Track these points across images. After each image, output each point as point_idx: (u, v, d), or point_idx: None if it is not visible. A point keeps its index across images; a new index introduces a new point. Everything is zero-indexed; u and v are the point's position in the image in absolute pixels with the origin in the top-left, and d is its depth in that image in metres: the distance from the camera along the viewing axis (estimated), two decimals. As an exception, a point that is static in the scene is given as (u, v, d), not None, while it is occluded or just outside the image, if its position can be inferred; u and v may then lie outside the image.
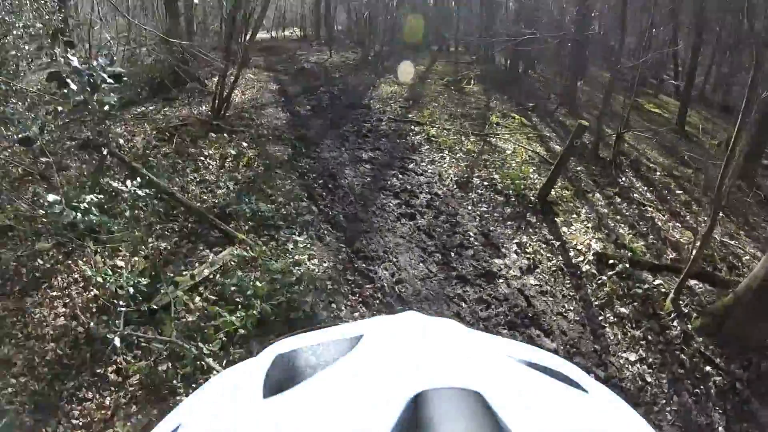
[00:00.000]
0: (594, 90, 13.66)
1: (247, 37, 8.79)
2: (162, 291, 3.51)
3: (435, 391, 0.29)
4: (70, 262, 4.01)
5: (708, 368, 4.17)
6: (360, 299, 4.25)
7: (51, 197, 2.94)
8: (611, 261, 5.05)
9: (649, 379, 4.05)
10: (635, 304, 4.74)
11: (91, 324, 3.39)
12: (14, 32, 5.17)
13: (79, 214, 3.12)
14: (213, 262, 4.00)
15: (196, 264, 4.09)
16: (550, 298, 4.69)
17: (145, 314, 3.47)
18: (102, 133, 6.69)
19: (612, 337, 4.40)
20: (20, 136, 3.22)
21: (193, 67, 8.52)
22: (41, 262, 3.93)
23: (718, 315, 4.66)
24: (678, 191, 8.03)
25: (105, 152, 5.36)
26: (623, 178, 7.77)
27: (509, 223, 5.72)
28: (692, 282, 4.99)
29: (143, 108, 7.77)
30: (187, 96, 8.43)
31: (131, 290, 3.39)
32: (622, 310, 4.64)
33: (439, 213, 5.80)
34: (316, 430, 0.28)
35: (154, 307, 3.54)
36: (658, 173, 8.46)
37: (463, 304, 4.48)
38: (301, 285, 3.73)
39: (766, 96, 5.40)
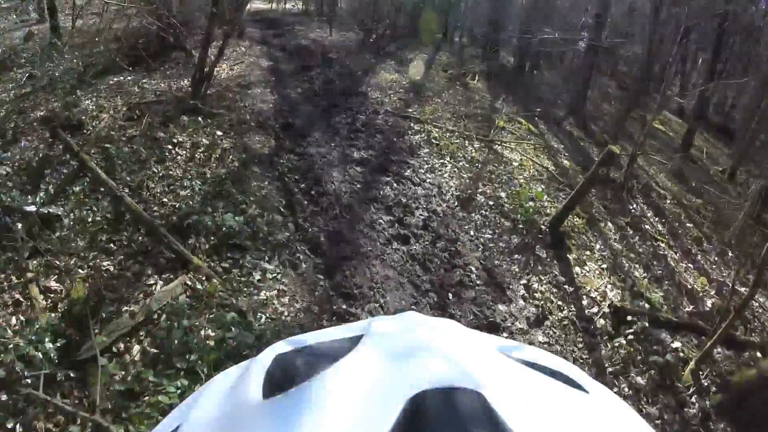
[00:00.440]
0: (602, 100, 13.01)
1: (240, 3, 7.69)
2: (88, 343, 2.67)
3: (435, 391, 0.29)
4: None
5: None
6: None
7: None
8: (629, 317, 4.43)
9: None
10: (652, 371, 4.15)
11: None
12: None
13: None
14: (159, 298, 3.15)
15: (140, 296, 3.24)
16: (560, 359, 4.04)
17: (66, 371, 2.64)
18: (69, 105, 5.62)
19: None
20: None
21: (181, 34, 7.38)
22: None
23: (736, 391, 4.16)
24: (688, 224, 7.54)
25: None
26: (634, 205, 7.20)
27: (516, 256, 5.02)
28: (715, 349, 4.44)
29: (120, 77, 6.69)
30: (171, 67, 7.34)
31: (49, 346, 2.55)
32: (639, 380, 4.05)
33: (437, 237, 5.04)
34: (316, 431, 0.27)
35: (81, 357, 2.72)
36: (668, 201, 7.94)
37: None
38: (262, 342, 2.91)
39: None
